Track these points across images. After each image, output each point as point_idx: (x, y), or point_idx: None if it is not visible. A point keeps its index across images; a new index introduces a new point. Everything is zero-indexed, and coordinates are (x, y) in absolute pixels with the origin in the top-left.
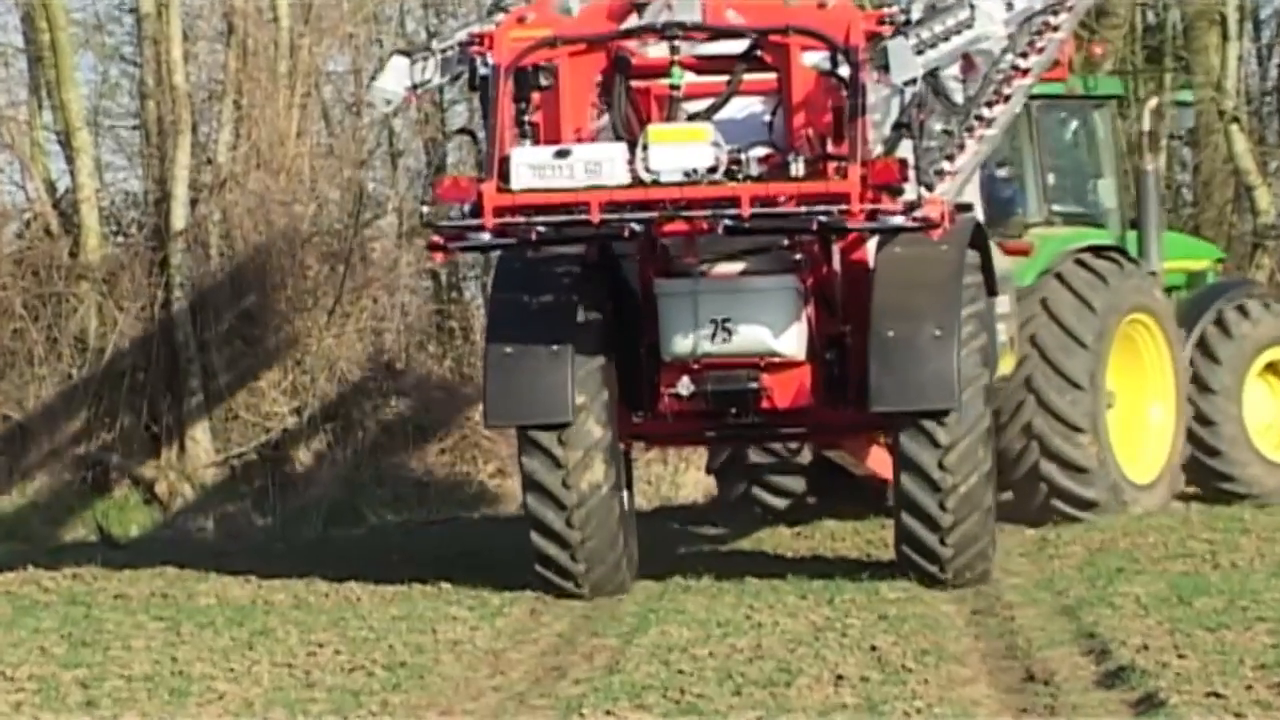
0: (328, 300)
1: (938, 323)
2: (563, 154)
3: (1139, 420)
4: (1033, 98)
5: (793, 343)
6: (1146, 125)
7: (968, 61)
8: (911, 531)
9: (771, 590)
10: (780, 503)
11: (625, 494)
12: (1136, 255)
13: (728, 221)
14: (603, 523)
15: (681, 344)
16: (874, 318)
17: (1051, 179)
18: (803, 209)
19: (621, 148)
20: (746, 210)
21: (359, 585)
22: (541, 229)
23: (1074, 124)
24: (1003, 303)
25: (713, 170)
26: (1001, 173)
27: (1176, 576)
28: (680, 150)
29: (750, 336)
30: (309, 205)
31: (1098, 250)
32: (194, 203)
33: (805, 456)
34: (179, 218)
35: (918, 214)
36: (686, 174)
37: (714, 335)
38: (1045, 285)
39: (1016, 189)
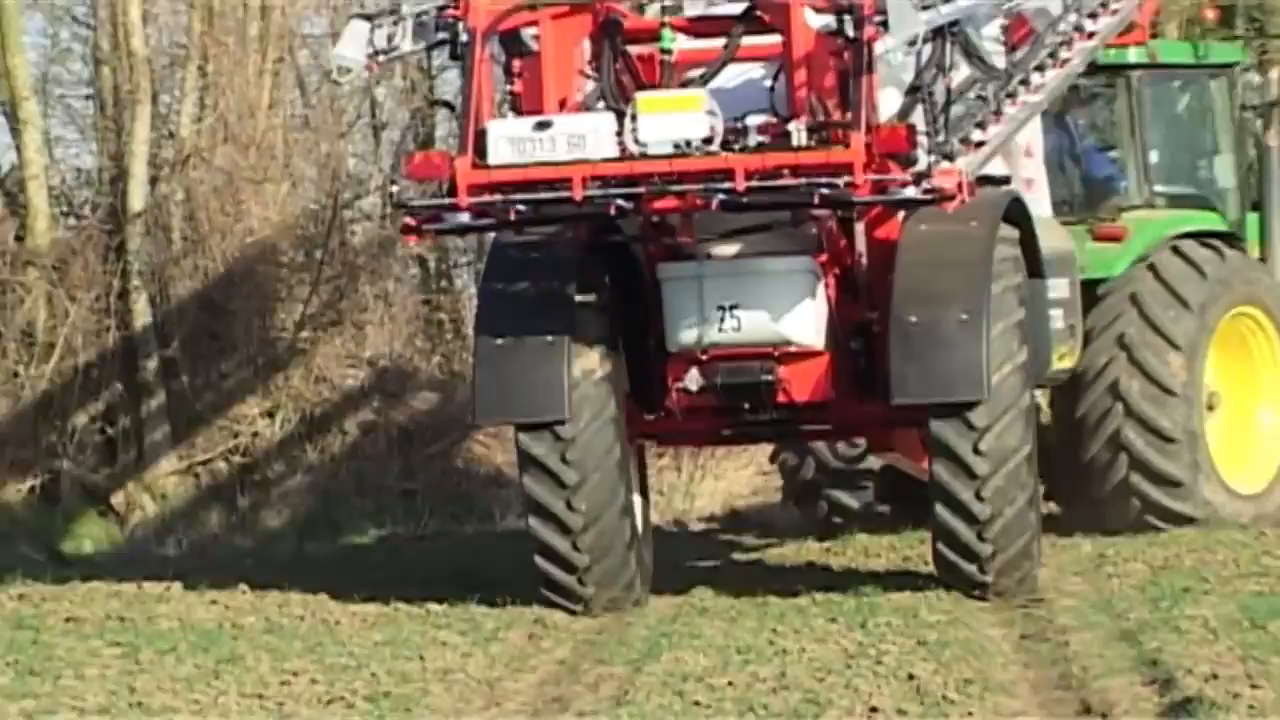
0: (303, 290)
1: (964, 306)
2: (543, 125)
3: (1246, 424)
4: (1134, 66)
5: (809, 330)
6: (1275, 93)
7: (1019, 21)
8: (947, 526)
9: (797, 612)
10: (854, 502)
11: (638, 501)
12: (1258, 240)
13: (722, 197)
14: (613, 543)
15: (687, 333)
16: (895, 302)
17: (1155, 157)
18: (803, 181)
19: (608, 118)
20: (741, 184)
21: (338, 607)
22: (521, 208)
23: (1184, 95)
24: (1060, 287)
25: (708, 141)
26: (1099, 149)
27: (1249, 597)
28: (672, 120)
29: (761, 324)
30: (282, 184)
31: (1199, 236)
32: (154, 181)
33: (874, 460)
34: (137, 198)
35: (928, 185)
36: (677, 145)
37: (721, 323)
38: (1135, 276)
39: (1114, 168)
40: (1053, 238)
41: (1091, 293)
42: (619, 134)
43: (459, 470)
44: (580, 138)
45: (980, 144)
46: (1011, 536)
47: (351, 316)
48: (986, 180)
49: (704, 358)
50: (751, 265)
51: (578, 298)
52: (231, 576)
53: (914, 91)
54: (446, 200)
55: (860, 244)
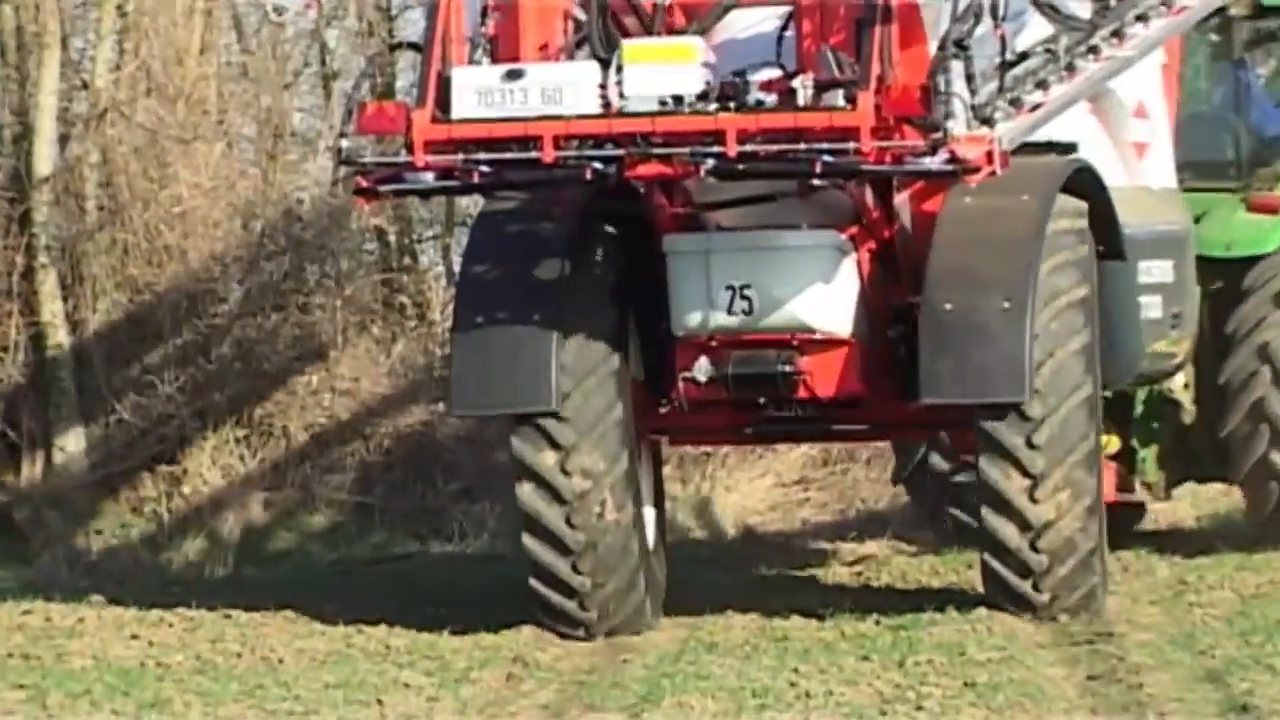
0: (240, 267)
1: (1007, 292)
2: (514, 75)
3: None
4: None
5: (833, 315)
6: None
7: None
8: (995, 534)
9: (823, 648)
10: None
11: (650, 513)
12: None
13: (712, 163)
14: (619, 564)
15: (692, 316)
16: (928, 286)
17: None
18: (802, 147)
19: (591, 69)
20: (733, 148)
21: (281, 642)
22: (485, 169)
23: None
24: (1160, 270)
25: (704, 97)
26: (1277, 104)
27: None
28: (662, 72)
29: (776, 307)
30: (215, 143)
31: None
32: (64, 140)
33: None
34: (44, 160)
35: (948, 155)
36: (664, 102)
37: (731, 305)
38: None
39: None
40: (1160, 213)
41: (1240, 272)
42: (603, 87)
43: (424, 482)
44: (557, 90)
45: (1037, 107)
46: (1070, 546)
47: (297, 300)
48: (1049, 147)
49: (714, 344)
50: (766, 239)
51: (575, 273)
52: (156, 606)
53: (945, 45)
54: (402, 158)
55: (904, 217)
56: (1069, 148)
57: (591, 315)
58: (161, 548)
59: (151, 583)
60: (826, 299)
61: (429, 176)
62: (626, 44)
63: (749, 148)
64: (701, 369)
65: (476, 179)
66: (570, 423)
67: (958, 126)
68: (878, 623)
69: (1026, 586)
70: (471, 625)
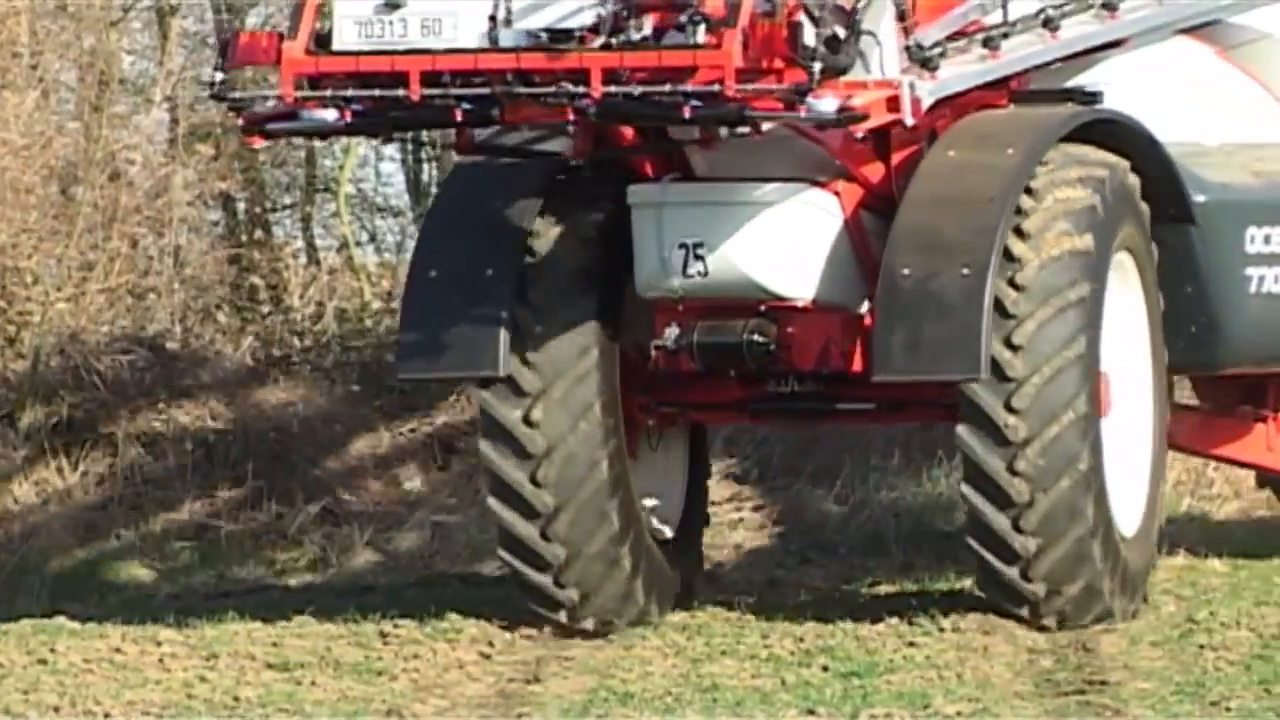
0: (58, 243)
1: (967, 258)
2: (392, 5)
3: None
4: None
5: (800, 279)
6: None
7: None
8: (977, 514)
9: (760, 700)
10: None
11: (650, 484)
12: None
13: (580, 106)
14: (593, 533)
15: (647, 276)
16: (888, 249)
17: None
18: (668, 89)
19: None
20: (597, 89)
21: (107, 693)
22: (356, 107)
23: None
24: (1270, 238)
25: (595, 31)
26: None
27: None
28: (550, 5)
29: (731, 269)
30: (27, 92)
31: None
32: None
33: None
34: None
35: (822, 102)
36: (538, 36)
37: (686, 265)
38: None
39: None
40: None
41: None
42: (493, 19)
43: (279, 500)
44: (436, 21)
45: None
46: (1060, 526)
47: (127, 279)
48: (1067, 96)
49: (680, 310)
50: (722, 192)
51: (540, 227)
52: None
53: None
54: (270, 93)
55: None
56: (1090, 97)
57: (562, 269)
58: None
59: None
60: (792, 261)
61: (330, 115)
62: None
63: (615, 89)
64: (670, 336)
65: (349, 117)
66: (536, 370)
67: (880, 70)
68: (825, 669)
69: (1014, 575)
70: (337, 672)
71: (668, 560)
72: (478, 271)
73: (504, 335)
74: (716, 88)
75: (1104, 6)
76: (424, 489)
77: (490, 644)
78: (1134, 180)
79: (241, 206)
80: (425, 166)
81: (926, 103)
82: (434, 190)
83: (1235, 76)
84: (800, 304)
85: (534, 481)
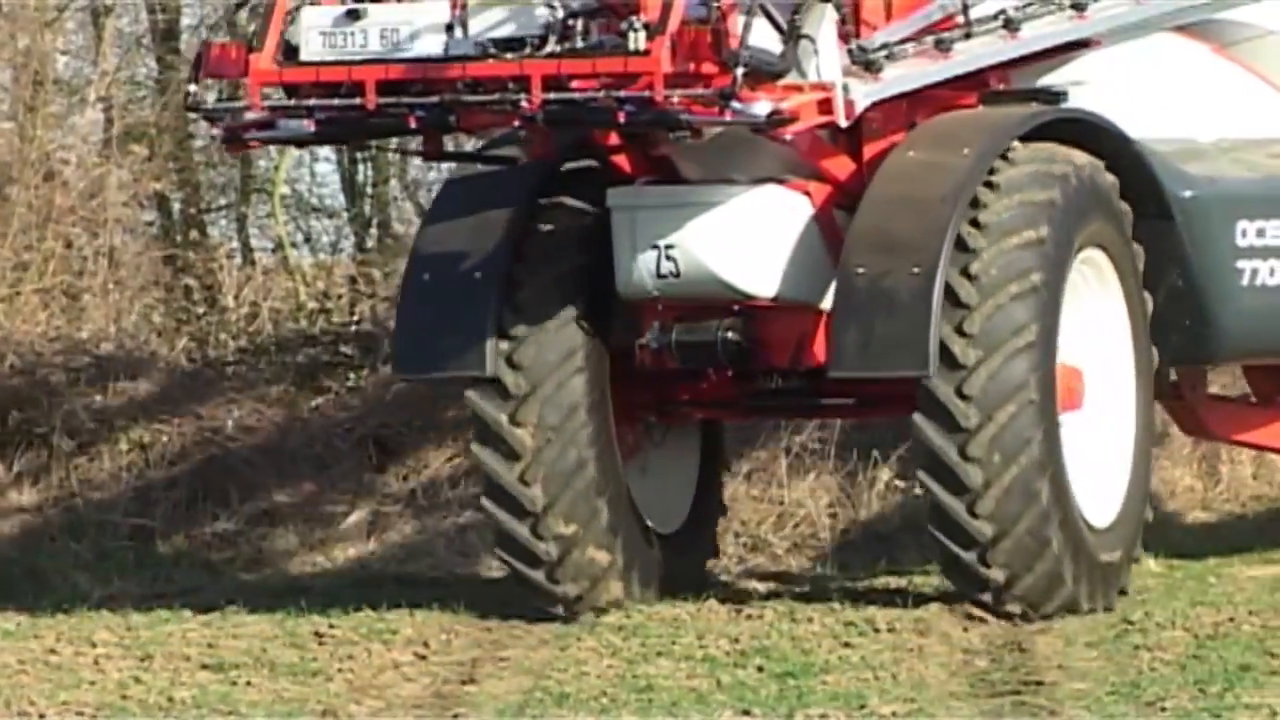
0: None
1: (917, 257)
2: (354, 15)
3: None
4: None
5: (766, 276)
6: None
7: None
8: (935, 500)
9: (696, 700)
10: None
11: (637, 477)
12: None
13: (523, 112)
14: (583, 530)
15: (625, 277)
16: (845, 249)
17: None
18: (603, 95)
19: (436, 8)
20: (537, 96)
21: (42, 694)
22: (320, 116)
23: None
24: (1264, 231)
25: (544, 40)
26: None
27: None
28: (504, 13)
29: (700, 268)
30: None
31: None
32: None
33: None
34: None
35: (755, 105)
36: (481, 45)
37: (659, 266)
38: None
39: None
40: None
41: None
42: (449, 28)
43: (215, 501)
44: (394, 32)
45: (944, 55)
46: (1014, 511)
47: (62, 279)
48: (1032, 96)
49: (660, 309)
50: (691, 195)
51: (529, 231)
52: None
53: None
54: (238, 104)
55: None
56: (1055, 96)
57: (549, 270)
58: None
59: None
60: (759, 259)
61: (310, 125)
62: None
63: (555, 95)
64: (652, 335)
65: (315, 127)
66: (523, 370)
67: (816, 73)
68: (760, 669)
69: (972, 559)
70: (273, 672)
71: (673, 554)
72: (467, 275)
73: (491, 336)
74: (648, 93)
75: (1073, 6)
76: (361, 520)
77: (426, 645)
78: (1108, 179)
79: (176, 207)
80: (360, 167)
81: (862, 105)
82: (369, 191)
83: (1237, 73)
84: (769, 302)
85: (523, 481)
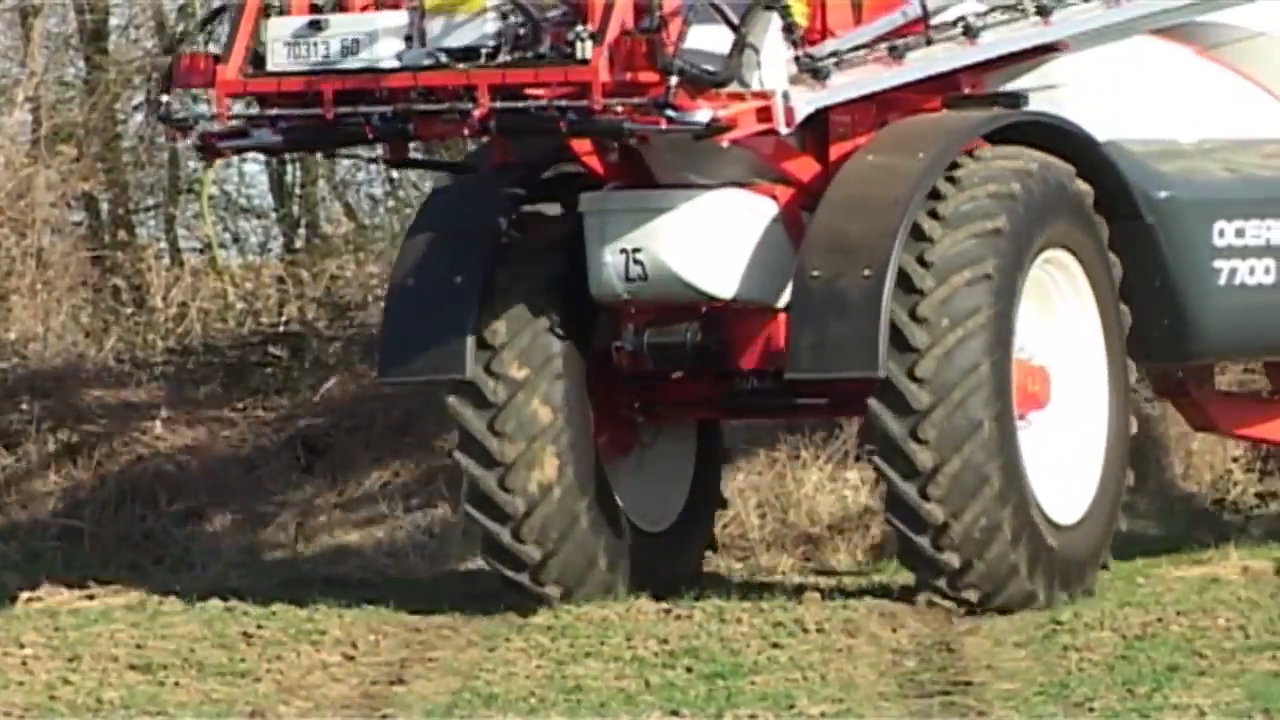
0: None
1: (869, 260)
2: (316, 25)
3: None
4: None
5: (730, 278)
6: None
7: None
8: (889, 484)
9: (624, 701)
10: None
11: (625, 479)
12: None
13: (475, 122)
14: (565, 533)
15: (596, 280)
16: (802, 252)
17: None
18: (545, 104)
19: (396, 18)
20: (484, 105)
21: None
22: (284, 126)
23: None
24: (1241, 231)
25: (498, 49)
26: None
27: (1260, 678)
28: (460, 22)
29: (665, 272)
30: None
31: None
32: None
33: None
34: None
35: (697, 113)
36: (433, 55)
37: (628, 270)
38: None
39: None
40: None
41: None
42: (409, 39)
43: (143, 502)
44: (355, 42)
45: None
46: (965, 493)
47: None
48: (993, 100)
49: (633, 312)
50: (655, 199)
51: (509, 238)
52: None
53: None
54: (206, 111)
55: None
56: (1014, 100)
57: (529, 275)
58: None
59: None
60: (722, 262)
61: (278, 136)
62: None
63: (501, 104)
64: (626, 337)
65: (282, 137)
66: (501, 379)
67: (759, 81)
68: (689, 670)
69: (925, 544)
70: (201, 673)
71: (663, 552)
72: (449, 280)
73: (470, 340)
74: (586, 102)
75: (1038, 11)
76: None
77: (354, 645)
78: (1079, 185)
79: (105, 208)
80: (288, 168)
81: (803, 112)
82: (297, 192)
83: (1223, 75)
84: (734, 304)
85: (503, 486)
